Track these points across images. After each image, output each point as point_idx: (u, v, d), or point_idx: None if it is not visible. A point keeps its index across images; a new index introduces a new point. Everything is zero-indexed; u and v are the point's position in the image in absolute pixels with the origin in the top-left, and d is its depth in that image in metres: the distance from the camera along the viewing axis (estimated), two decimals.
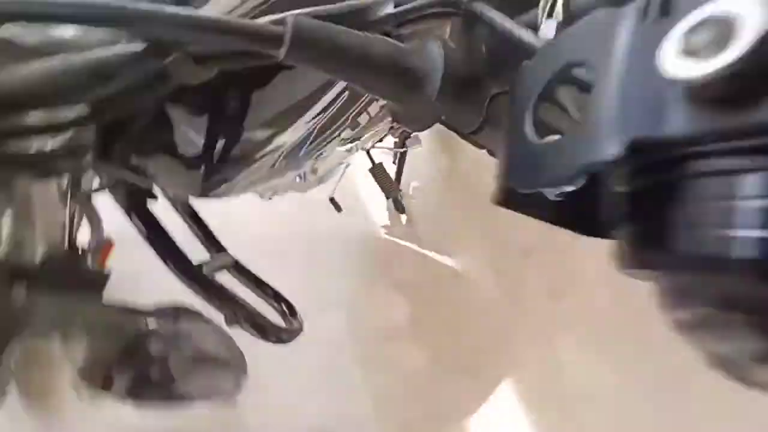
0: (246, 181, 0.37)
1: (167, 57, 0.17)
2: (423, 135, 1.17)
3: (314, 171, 0.72)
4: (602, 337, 1.01)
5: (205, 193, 0.32)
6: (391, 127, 0.95)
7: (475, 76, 0.21)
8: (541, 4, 0.19)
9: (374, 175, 1.07)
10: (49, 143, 0.22)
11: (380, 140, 1.02)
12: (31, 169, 0.23)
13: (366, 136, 0.80)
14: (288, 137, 0.34)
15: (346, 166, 0.94)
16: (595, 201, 0.16)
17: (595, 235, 0.17)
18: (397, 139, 1.07)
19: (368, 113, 0.44)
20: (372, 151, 1.07)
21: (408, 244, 1.26)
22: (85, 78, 0.18)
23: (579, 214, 0.17)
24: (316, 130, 0.36)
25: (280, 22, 0.17)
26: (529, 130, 0.15)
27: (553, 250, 1.07)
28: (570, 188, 0.14)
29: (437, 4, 0.20)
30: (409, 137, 1.05)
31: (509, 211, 0.17)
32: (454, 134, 0.81)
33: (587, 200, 0.16)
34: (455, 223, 1.28)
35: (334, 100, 0.34)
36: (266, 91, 0.28)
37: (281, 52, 0.16)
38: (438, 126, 0.25)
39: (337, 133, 0.40)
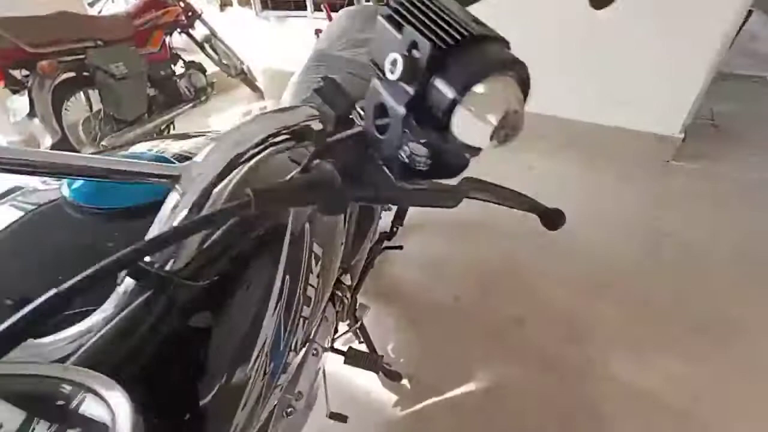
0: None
1: None
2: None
3: (298, 396, 0.68)
4: None
5: None
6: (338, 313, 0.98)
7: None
8: None
9: (352, 363, 1.02)
10: None
11: (335, 333, 1.02)
12: None
13: (318, 330, 0.81)
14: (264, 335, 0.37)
15: (324, 376, 0.90)
16: None
17: None
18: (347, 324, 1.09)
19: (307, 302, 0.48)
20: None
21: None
22: None
23: None
24: (282, 320, 0.39)
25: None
26: None
27: None
28: None
29: None
30: (356, 312, 1.07)
31: None
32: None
33: None
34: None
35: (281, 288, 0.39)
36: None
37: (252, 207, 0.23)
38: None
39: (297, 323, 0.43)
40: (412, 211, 1.48)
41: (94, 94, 2.20)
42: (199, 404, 0.31)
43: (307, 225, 0.45)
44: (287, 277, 0.40)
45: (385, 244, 1.35)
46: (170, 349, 0.28)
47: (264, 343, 0.37)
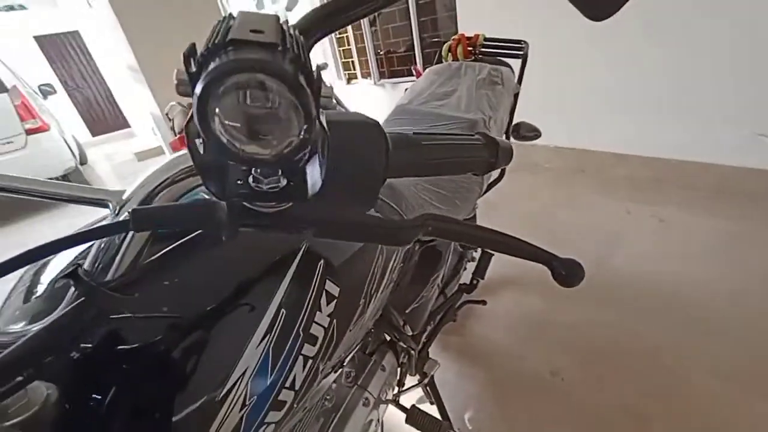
0: None
1: None
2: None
3: None
4: None
5: None
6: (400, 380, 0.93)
7: None
8: None
9: (413, 423, 0.94)
10: None
11: (401, 386, 0.97)
12: None
13: (369, 379, 0.78)
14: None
15: (381, 429, 0.84)
16: None
17: None
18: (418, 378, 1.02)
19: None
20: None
21: None
22: None
23: None
24: (271, 354, 0.39)
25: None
26: None
27: None
28: None
29: None
30: (423, 369, 1.00)
31: None
32: None
33: None
34: None
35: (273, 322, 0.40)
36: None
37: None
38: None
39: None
40: (506, 264, 1.36)
41: None
42: (168, 421, 0.33)
43: (321, 262, 0.46)
44: (283, 311, 0.41)
45: (465, 297, 1.26)
46: (107, 354, 0.31)
47: (244, 372, 0.37)
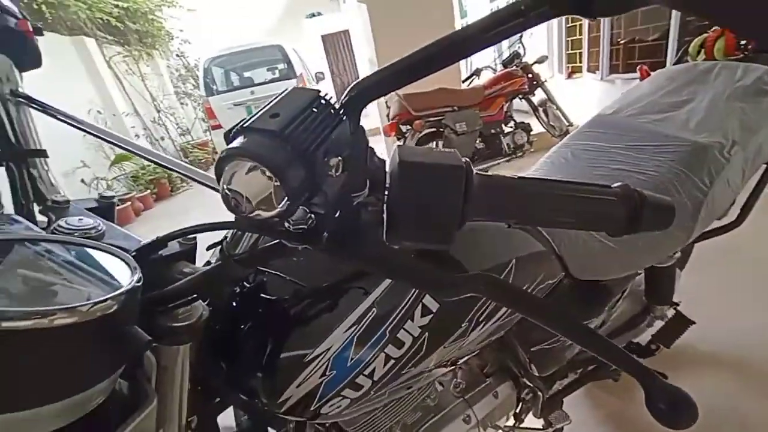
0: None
1: None
2: None
3: None
4: None
5: None
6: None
7: None
8: None
9: None
10: None
11: (516, 420, 0.89)
12: None
13: (476, 400, 0.75)
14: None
15: None
16: None
17: None
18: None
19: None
20: None
21: None
22: None
23: None
24: (355, 342, 0.45)
25: None
26: None
27: None
28: None
29: None
30: (550, 413, 0.88)
31: None
32: None
33: None
34: None
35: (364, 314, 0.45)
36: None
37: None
38: None
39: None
40: (706, 332, 1.00)
41: (440, 144, 2.93)
42: (277, 357, 0.44)
43: None
44: (374, 310, 0.46)
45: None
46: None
47: (329, 350, 0.44)
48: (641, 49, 3.17)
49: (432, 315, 0.49)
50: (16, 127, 0.49)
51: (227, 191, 0.21)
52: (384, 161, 0.32)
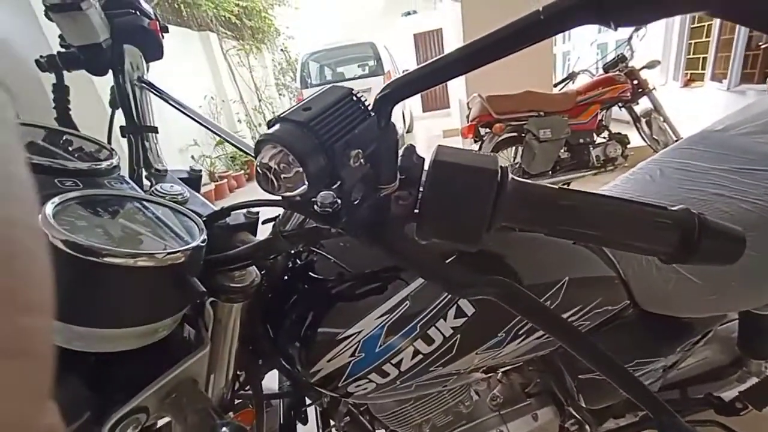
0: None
1: None
2: None
3: None
4: None
5: None
6: None
7: None
8: None
9: None
10: None
11: None
12: None
13: (510, 415, 0.72)
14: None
15: None
16: None
17: None
18: None
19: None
20: None
21: None
22: None
23: None
24: (385, 330, 0.47)
25: None
26: None
27: None
28: None
29: None
30: None
31: None
32: None
33: None
34: None
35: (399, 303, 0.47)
36: None
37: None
38: None
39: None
40: None
41: (520, 150, 2.78)
42: (308, 332, 0.48)
43: None
44: (407, 303, 0.47)
45: (713, 416, 0.85)
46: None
47: (360, 333, 0.47)
48: None
49: (466, 318, 0.49)
50: (138, 107, 0.60)
51: (259, 170, 0.24)
52: (423, 159, 0.33)
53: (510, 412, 0.75)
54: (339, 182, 0.26)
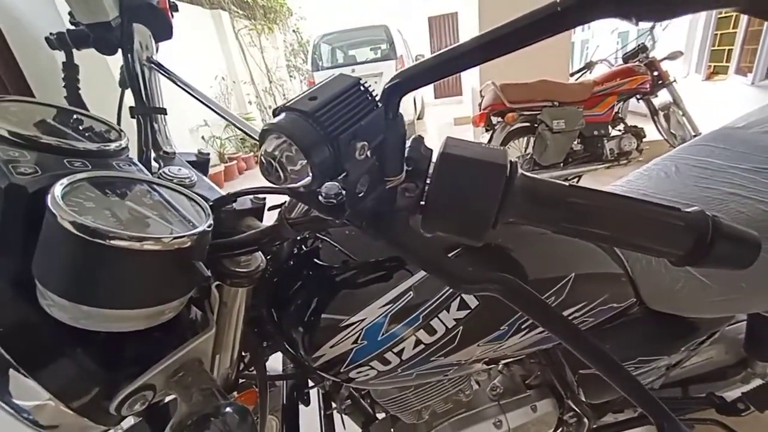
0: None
1: None
2: None
3: None
4: None
5: None
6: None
7: None
8: None
9: None
10: None
11: None
12: None
13: (511, 409, 0.73)
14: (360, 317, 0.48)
15: None
16: None
17: None
18: None
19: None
20: None
21: None
22: None
23: None
24: (388, 319, 0.48)
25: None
26: None
27: None
28: None
29: None
30: None
31: None
32: None
33: None
34: None
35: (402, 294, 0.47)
36: None
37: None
38: None
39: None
40: None
41: (531, 141, 2.73)
42: (312, 318, 0.48)
43: None
44: (411, 293, 0.47)
45: (713, 414, 0.85)
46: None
47: (363, 321, 0.47)
48: None
49: (469, 311, 0.49)
50: (147, 88, 0.60)
51: (263, 159, 0.24)
52: (431, 150, 0.33)
53: (509, 402, 0.75)
54: (344, 173, 0.26)
